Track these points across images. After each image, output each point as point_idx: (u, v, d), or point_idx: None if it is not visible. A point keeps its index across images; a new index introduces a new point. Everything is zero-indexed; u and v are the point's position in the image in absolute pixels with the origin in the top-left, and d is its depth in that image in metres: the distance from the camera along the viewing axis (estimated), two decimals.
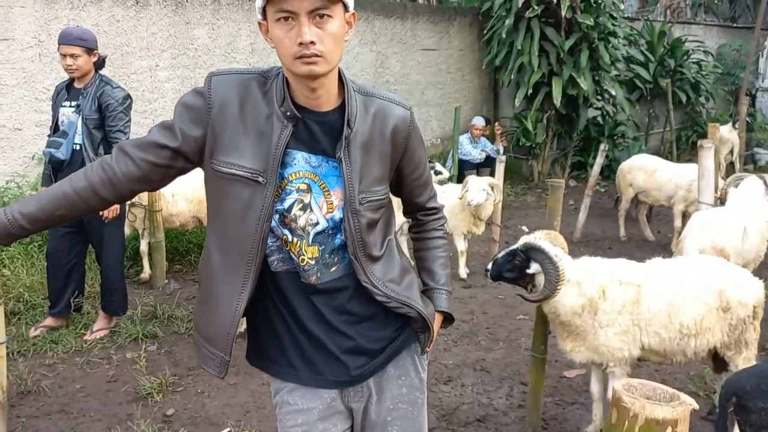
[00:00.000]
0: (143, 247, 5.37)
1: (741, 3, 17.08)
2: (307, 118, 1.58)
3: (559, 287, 2.82)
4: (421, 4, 10.27)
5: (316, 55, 1.46)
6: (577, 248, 6.40)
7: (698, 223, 4.21)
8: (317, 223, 1.61)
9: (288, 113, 1.55)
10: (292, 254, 1.63)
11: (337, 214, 1.62)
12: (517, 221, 7.48)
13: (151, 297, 4.91)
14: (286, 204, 1.60)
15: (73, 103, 4.06)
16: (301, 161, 1.59)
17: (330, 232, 1.63)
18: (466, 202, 5.22)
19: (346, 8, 1.53)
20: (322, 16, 1.46)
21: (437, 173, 6.96)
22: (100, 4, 6.06)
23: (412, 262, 1.92)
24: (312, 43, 1.45)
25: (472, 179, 5.35)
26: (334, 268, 1.66)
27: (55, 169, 4.12)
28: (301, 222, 1.60)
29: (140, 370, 3.73)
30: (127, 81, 6.26)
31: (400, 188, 1.79)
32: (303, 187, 1.59)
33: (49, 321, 4.39)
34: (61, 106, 4.13)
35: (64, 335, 4.29)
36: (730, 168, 9.08)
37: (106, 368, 3.94)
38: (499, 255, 3.10)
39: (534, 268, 2.94)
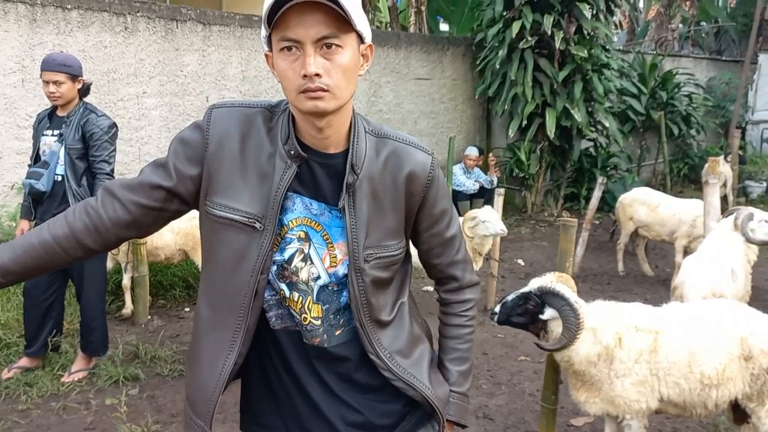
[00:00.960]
0: (126, 281, 5.14)
1: (726, 37, 17.29)
2: (311, 160, 1.39)
3: (578, 335, 2.64)
4: (415, 34, 10.21)
5: (322, 90, 1.27)
6: (575, 283, 6.24)
7: (693, 269, 4.08)
8: (319, 277, 1.41)
9: (292, 152, 1.36)
10: (292, 311, 1.43)
11: (341, 270, 1.42)
12: (513, 254, 7.32)
13: (133, 335, 4.66)
14: (286, 254, 1.40)
15: (56, 132, 3.86)
16: (300, 207, 1.40)
17: (334, 288, 1.43)
18: (484, 234, 5.04)
19: (361, 39, 1.35)
20: (330, 46, 1.27)
21: None
22: (87, 30, 5.89)
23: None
24: (317, 75, 1.26)
25: (487, 211, 5.17)
26: (339, 332, 1.45)
27: (35, 201, 3.92)
28: (303, 275, 1.41)
29: (120, 417, 3.49)
30: (113, 108, 6.08)
31: (417, 245, 1.56)
32: (302, 235, 1.40)
33: (24, 361, 4.13)
34: (43, 134, 3.92)
35: (40, 377, 4.02)
36: (723, 201, 9.00)
37: (83, 414, 3.68)
38: (509, 298, 2.88)
39: (549, 313, 2.75)
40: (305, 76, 1.26)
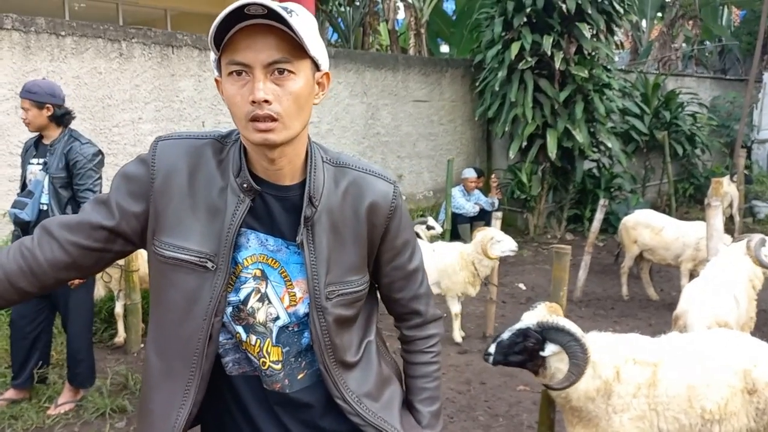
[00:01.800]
0: (118, 309, 5.06)
1: (731, 56, 17.25)
2: (265, 193, 1.30)
3: (585, 370, 2.51)
4: (412, 56, 10.20)
5: (272, 118, 1.19)
6: (578, 308, 6.12)
7: (696, 297, 3.94)
8: (278, 317, 1.32)
9: (245, 185, 1.28)
10: (250, 355, 1.34)
11: (301, 309, 1.33)
12: (514, 278, 7.20)
13: (123, 365, 4.56)
14: (242, 294, 1.31)
15: (41, 161, 3.81)
16: (255, 243, 1.31)
17: (295, 329, 1.34)
18: (497, 254, 4.96)
19: (317, 67, 1.27)
20: (282, 71, 1.20)
21: (429, 228, 6.70)
22: (82, 56, 5.87)
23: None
24: (266, 102, 1.18)
25: (494, 232, 5.09)
26: (301, 375, 1.36)
27: (23, 230, 3.85)
28: (261, 316, 1.32)
29: None
30: (108, 134, 6.05)
31: (378, 279, 1.46)
32: (258, 273, 1.31)
33: (11, 393, 4.04)
34: (29, 163, 3.87)
35: (26, 409, 3.93)
36: (730, 221, 8.88)
37: None
38: (504, 336, 2.68)
39: (550, 349, 2.58)
40: (254, 102, 1.18)
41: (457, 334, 5.24)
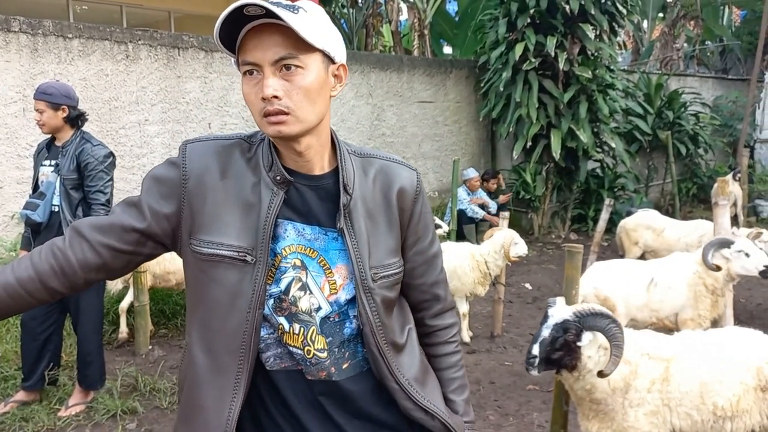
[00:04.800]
0: (123, 304, 5.06)
1: (732, 55, 17.24)
2: (299, 183, 1.33)
3: (623, 351, 2.51)
4: (417, 57, 10.21)
5: (283, 113, 1.23)
6: None
7: (596, 269, 4.24)
8: (320, 308, 1.33)
9: (278, 178, 1.31)
10: (291, 348, 1.33)
11: (343, 296, 1.34)
12: (520, 278, 7.20)
13: (133, 366, 4.57)
14: (283, 285, 1.32)
15: (53, 162, 3.82)
16: (292, 233, 1.33)
17: (336, 319, 1.35)
18: (510, 255, 5.01)
19: (331, 60, 1.30)
20: (289, 67, 1.24)
21: (437, 227, 6.71)
22: (89, 58, 5.89)
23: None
24: (276, 97, 1.22)
25: (514, 234, 5.11)
26: (346, 365, 1.36)
27: (34, 231, 3.87)
28: (303, 305, 1.32)
29: None
30: (115, 136, 6.06)
31: None
32: (297, 263, 1.33)
33: (21, 395, 4.04)
34: (41, 165, 3.89)
35: (37, 411, 3.93)
36: (734, 221, 8.88)
37: None
38: (544, 333, 2.61)
39: (586, 338, 2.56)
40: (264, 99, 1.23)
41: (465, 334, 5.25)
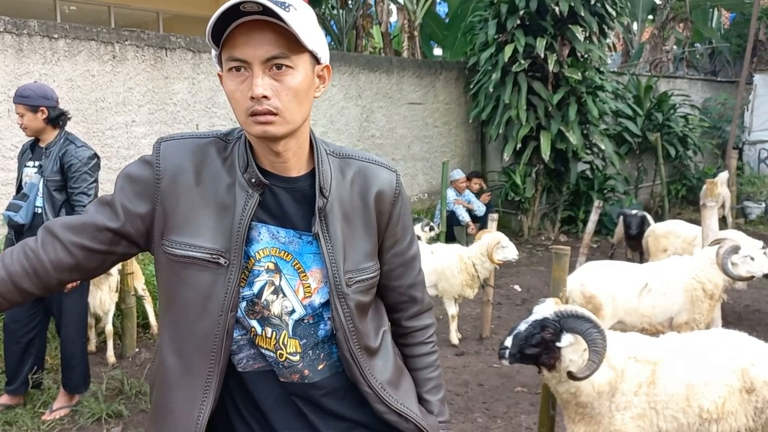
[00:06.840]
0: (110, 327, 4.77)
1: (721, 58, 17.34)
2: (274, 185, 1.31)
3: (604, 358, 2.48)
4: (407, 59, 10.20)
5: (271, 113, 1.21)
6: None
7: (588, 266, 4.24)
8: (293, 311, 1.32)
9: (253, 180, 1.29)
10: (263, 350, 1.33)
11: (317, 299, 1.33)
12: (509, 280, 7.20)
13: (119, 370, 4.53)
14: (255, 288, 1.31)
15: (36, 163, 3.78)
16: (266, 236, 1.31)
17: (310, 321, 1.34)
18: (501, 259, 4.96)
19: (317, 60, 1.28)
20: (280, 67, 1.21)
21: (431, 228, 6.71)
22: (75, 59, 5.84)
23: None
24: (265, 97, 1.20)
25: (501, 237, 5.06)
26: (321, 366, 1.36)
27: (17, 233, 3.82)
28: (276, 309, 1.31)
29: None
30: (102, 137, 6.01)
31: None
32: (271, 266, 1.31)
33: (5, 399, 4.00)
34: (25, 166, 3.85)
35: (21, 415, 3.90)
36: (722, 222, 8.92)
37: None
38: (521, 327, 2.63)
39: (566, 340, 2.54)
40: (253, 98, 1.20)
41: (454, 336, 5.24)
